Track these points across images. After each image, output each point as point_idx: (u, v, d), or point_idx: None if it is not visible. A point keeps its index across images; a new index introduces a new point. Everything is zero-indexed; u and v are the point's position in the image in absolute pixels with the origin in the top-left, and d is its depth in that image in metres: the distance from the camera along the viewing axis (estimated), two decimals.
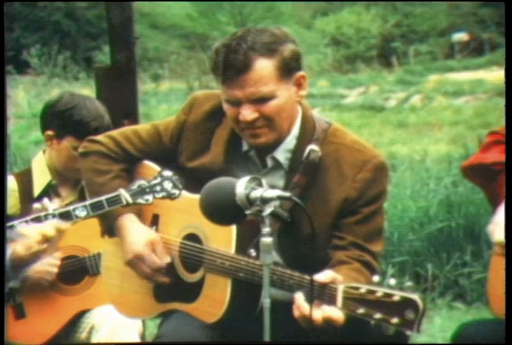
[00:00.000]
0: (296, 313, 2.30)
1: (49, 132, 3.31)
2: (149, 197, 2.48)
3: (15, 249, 2.38)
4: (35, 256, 2.38)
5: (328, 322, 2.24)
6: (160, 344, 2.49)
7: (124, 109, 4.49)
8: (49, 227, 2.38)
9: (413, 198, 6.30)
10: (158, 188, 2.49)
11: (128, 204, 2.46)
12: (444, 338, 4.39)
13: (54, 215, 2.39)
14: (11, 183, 3.34)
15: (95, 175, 2.66)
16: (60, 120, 3.29)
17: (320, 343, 2.20)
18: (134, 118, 4.50)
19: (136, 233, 2.59)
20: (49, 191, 3.30)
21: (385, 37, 28.27)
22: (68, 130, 3.27)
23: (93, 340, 3.11)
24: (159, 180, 2.49)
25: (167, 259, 2.58)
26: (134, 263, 2.59)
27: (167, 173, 2.51)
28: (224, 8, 29.24)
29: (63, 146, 3.29)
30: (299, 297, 2.30)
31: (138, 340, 3.09)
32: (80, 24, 28.57)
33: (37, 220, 2.39)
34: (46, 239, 2.37)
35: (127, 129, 2.76)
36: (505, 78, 2.67)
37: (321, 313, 2.25)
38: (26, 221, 2.41)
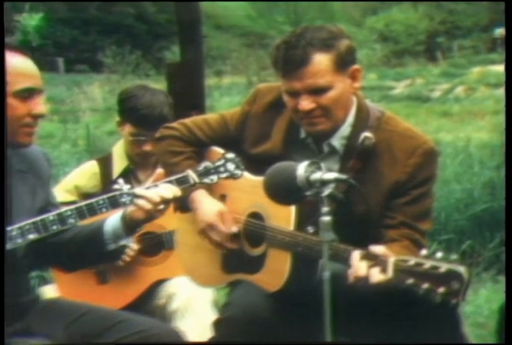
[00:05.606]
0: (351, 270, 2.31)
1: (117, 118, 3.40)
2: (214, 177, 2.50)
3: (132, 210, 2.40)
4: (151, 217, 2.40)
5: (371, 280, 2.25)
6: (163, 344, 2.46)
7: (192, 101, 4.55)
8: (168, 191, 2.39)
9: (458, 181, 6.23)
10: (222, 169, 2.50)
11: (195, 183, 2.49)
12: (490, 308, 4.32)
13: (128, 194, 2.41)
14: (94, 167, 3.42)
15: (170, 156, 2.73)
16: (120, 107, 3.36)
17: (325, 343, 2.19)
18: (201, 110, 4.56)
19: (207, 205, 2.65)
20: (129, 175, 3.34)
21: (430, 33, 27.87)
22: (125, 117, 3.33)
23: (170, 306, 3.16)
24: (222, 161, 2.51)
25: (234, 229, 2.62)
26: (206, 231, 2.64)
27: (230, 155, 2.52)
28: (281, 8, 29.15)
29: (125, 132, 3.35)
30: (355, 256, 2.32)
31: (209, 308, 3.13)
32: (151, 26, 28.80)
33: (113, 198, 2.42)
34: (164, 201, 2.38)
35: (198, 118, 2.81)
36: (505, 77, 2.61)
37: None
38: (103, 199, 2.43)
